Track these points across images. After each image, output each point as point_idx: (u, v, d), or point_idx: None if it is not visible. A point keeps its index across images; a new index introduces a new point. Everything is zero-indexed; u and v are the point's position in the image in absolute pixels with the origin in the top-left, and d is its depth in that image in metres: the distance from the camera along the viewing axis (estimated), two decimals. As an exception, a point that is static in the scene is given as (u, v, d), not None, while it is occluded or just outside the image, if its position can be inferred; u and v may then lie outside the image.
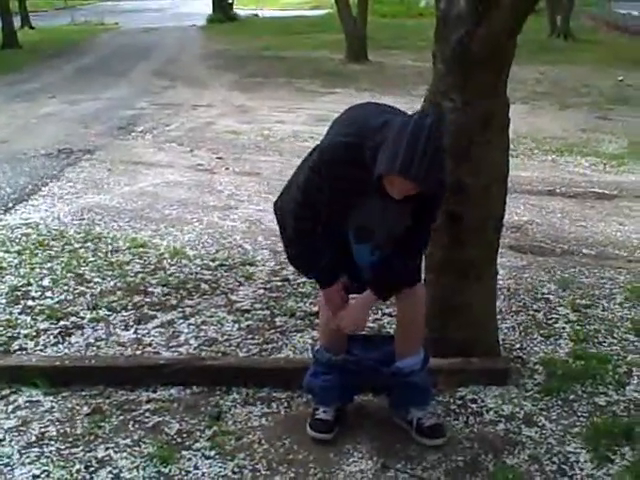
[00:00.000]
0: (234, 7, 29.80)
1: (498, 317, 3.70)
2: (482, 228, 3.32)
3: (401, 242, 2.74)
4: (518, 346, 3.67)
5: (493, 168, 3.29)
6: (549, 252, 5.04)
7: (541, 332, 3.81)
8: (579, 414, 3.10)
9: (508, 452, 2.85)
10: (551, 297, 4.24)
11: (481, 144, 3.20)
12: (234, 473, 2.74)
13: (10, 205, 6.06)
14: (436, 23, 3.23)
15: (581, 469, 2.76)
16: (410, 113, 2.59)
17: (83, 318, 3.97)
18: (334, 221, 2.73)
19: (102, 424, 3.03)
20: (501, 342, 3.60)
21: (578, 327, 3.87)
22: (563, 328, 3.86)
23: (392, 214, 2.67)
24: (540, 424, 3.03)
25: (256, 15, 30.20)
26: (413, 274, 2.90)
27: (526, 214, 5.82)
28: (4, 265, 4.70)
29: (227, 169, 7.32)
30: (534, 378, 3.37)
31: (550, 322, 3.93)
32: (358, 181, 2.56)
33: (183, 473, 2.74)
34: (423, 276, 3.45)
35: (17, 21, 23.06)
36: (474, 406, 3.16)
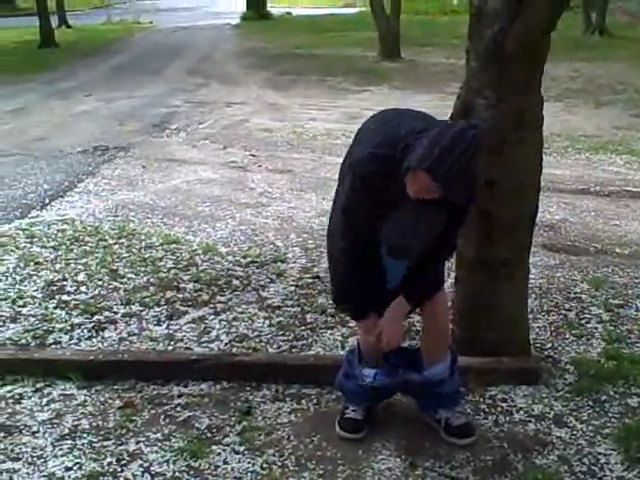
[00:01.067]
0: (267, 5, 29.87)
1: (530, 316, 3.68)
2: (514, 227, 3.30)
3: (431, 248, 2.71)
4: (549, 346, 3.65)
5: (526, 166, 3.27)
6: (582, 251, 4.99)
7: (573, 332, 3.78)
8: (610, 415, 3.07)
9: (537, 452, 2.83)
10: (583, 296, 4.20)
11: (514, 142, 3.18)
12: (263, 469, 2.76)
13: (47, 201, 6.16)
14: (470, 19, 3.22)
15: (611, 471, 2.74)
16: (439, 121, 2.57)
17: (116, 313, 4.03)
18: (372, 238, 2.70)
19: (134, 418, 3.07)
20: (532, 342, 3.58)
21: (611, 327, 3.83)
22: (595, 328, 3.83)
23: (426, 226, 2.62)
24: (570, 424, 3.01)
25: (289, 13, 30.25)
26: (441, 282, 2.90)
27: (559, 213, 5.77)
28: (40, 260, 4.78)
29: (260, 166, 7.36)
30: (565, 378, 3.35)
31: (582, 322, 3.90)
32: (391, 193, 2.54)
33: (212, 468, 2.77)
34: (454, 274, 3.46)
35: (54, 20, 23.34)
36: (504, 405, 3.15)
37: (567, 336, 3.75)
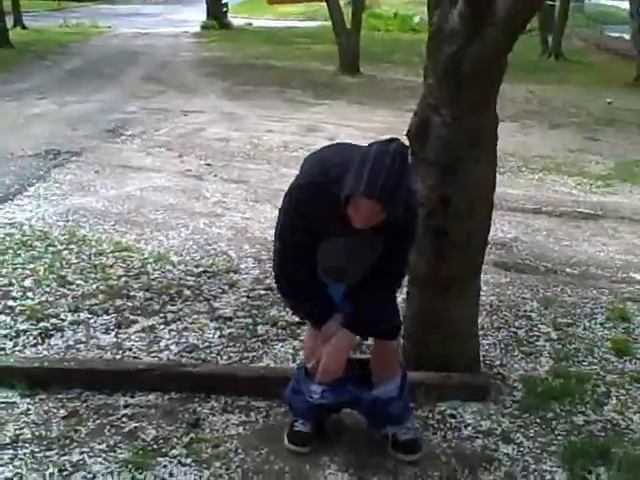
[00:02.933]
0: (228, 15, 29.81)
1: (480, 333, 3.71)
2: (466, 244, 3.32)
3: (376, 271, 2.69)
4: (499, 362, 3.68)
5: (479, 184, 3.31)
6: (533, 270, 5.06)
7: (522, 349, 3.82)
8: (557, 433, 3.10)
9: (485, 469, 2.85)
10: (533, 315, 4.25)
11: (468, 160, 3.21)
12: (209, 481, 2.72)
13: (-5, 204, 6.02)
14: (428, 38, 3.25)
15: (557, 488, 2.76)
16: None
17: (64, 320, 3.95)
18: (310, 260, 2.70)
19: (78, 428, 3.00)
20: (482, 358, 3.60)
21: (559, 345, 3.88)
22: (544, 346, 3.87)
23: (364, 250, 2.62)
24: (517, 441, 3.03)
25: (250, 24, 30.20)
26: (393, 316, 2.85)
27: (512, 231, 5.84)
28: (-14, 264, 4.67)
29: (215, 176, 7.31)
30: (513, 395, 3.38)
31: (531, 340, 3.95)
32: (325, 219, 2.57)
33: (158, 480, 2.72)
34: (405, 290, 3.46)
35: (9, 20, 22.95)
36: (453, 421, 3.16)
37: (516, 353, 3.78)
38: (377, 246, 2.64)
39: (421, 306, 3.43)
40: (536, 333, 4.02)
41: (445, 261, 3.31)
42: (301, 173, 2.74)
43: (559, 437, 3.07)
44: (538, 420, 3.18)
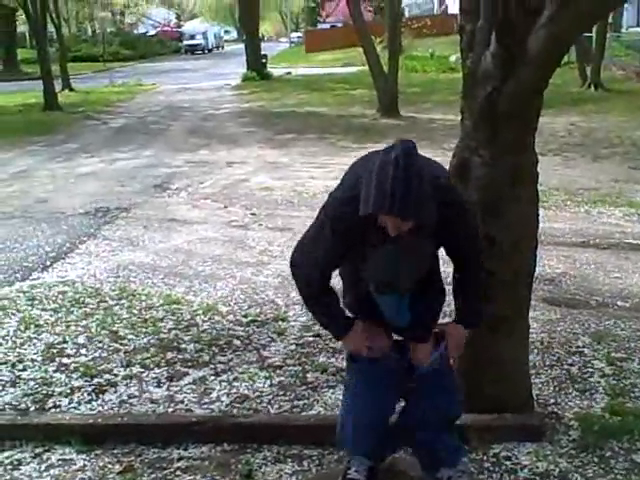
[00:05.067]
0: (268, 66, 30.41)
1: (532, 371, 3.66)
2: (513, 283, 3.30)
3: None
4: (552, 401, 3.61)
5: (523, 223, 3.29)
6: (583, 304, 4.99)
7: (576, 387, 3.76)
8: (616, 472, 3.03)
9: (543, 511, 2.79)
10: (586, 350, 4.18)
11: (510, 199, 3.21)
12: (264, 533, 2.72)
13: (48, 263, 6.19)
14: (463, 79, 3.28)
15: (618, 529, 2.69)
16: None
17: (117, 375, 4.01)
18: (352, 276, 2.74)
19: (133, 482, 3.03)
20: (535, 397, 3.55)
21: (614, 381, 3.80)
22: (598, 382, 3.80)
23: (411, 255, 2.59)
24: (576, 482, 2.97)
25: (289, 73, 30.78)
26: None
27: (559, 266, 5.78)
28: (41, 323, 4.78)
29: (260, 225, 7.41)
30: (569, 434, 3.31)
31: (585, 376, 3.88)
32: (363, 230, 2.55)
33: (213, 533, 2.73)
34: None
35: (58, 84, 23.75)
36: (508, 463, 3.11)
37: (570, 391, 3.72)
38: (425, 249, 2.62)
39: (471, 347, 3.38)
40: (590, 369, 3.95)
41: (492, 301, 3.28)
42: (339, 185, 2.73)
43: (619, 476, 3.00)
44: (596, 459, 3.11)
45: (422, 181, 2.42)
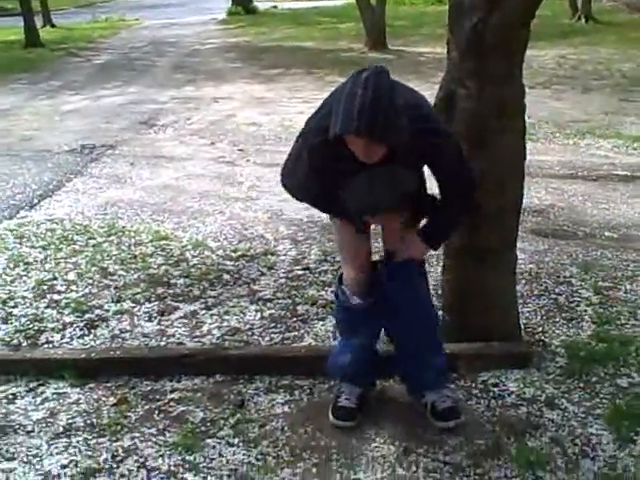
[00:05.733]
0: (253, 0, 29.79)
1: (520, 301, 3.70)
2: (499, 215, 3.31)
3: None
4: (540, 329, 3.67)
5: (509, 154, 3.28)
6: (571, 235, 5.02)
7: (563, 315, 3.81)
8: (601, 396, 3.09)
9: (530, 435, 2.85)
10: (573, 280, 4.22)
11: (496, 131, 3.19)
12: (258, 460, 2.77)
13: (35, 201, 6.15)
14: (449, 11, 3.22)
15: (603, 451, 2.76)
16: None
17: (108, 311, 4.03)
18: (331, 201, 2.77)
19: (128, 414, 3.07)
20: (523, 326, 3.60)
21: (600, 309, 3.85)
22: (585, 311, 3.85)
23: (391, 180, 2.59)
24: (562, 407, 3.03)
25: (275, 7, 30.13)
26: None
27: (548, 198, 5.79)
28: (30, 260, 4.78)
29: (248, 160, 7.36)
30: (556, 361, 3.37)
31: (572, 305, 3.92)
32: (339, 160, 2.56)
33: (207, 461, 2.78)
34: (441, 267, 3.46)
35: (39, 20, 23.23)
36: (496, 390, 3.17)
37: (557, 319, 3.77)
38: (404, 174, 2.61)
39: (458, 278, 3.43)
40: (577, 298, 4.00)
41: (479, 233, 3.29)
42: (316, 110, 2.74)
43: (604, 400, 3.06)
44: (582, 385, 3.17)
45: (392, 103, 2.41)
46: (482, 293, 3.37)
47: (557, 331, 3.65)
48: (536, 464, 2.67)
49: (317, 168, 2.68)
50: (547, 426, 2.91)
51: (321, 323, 3.81)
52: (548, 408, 3.02)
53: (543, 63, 12.64)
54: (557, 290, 4.10)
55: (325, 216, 5.44)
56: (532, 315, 3.81)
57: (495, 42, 3.03)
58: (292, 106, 10.21)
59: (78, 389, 3.27)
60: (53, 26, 25.56)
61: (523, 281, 4.12)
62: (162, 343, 3.67)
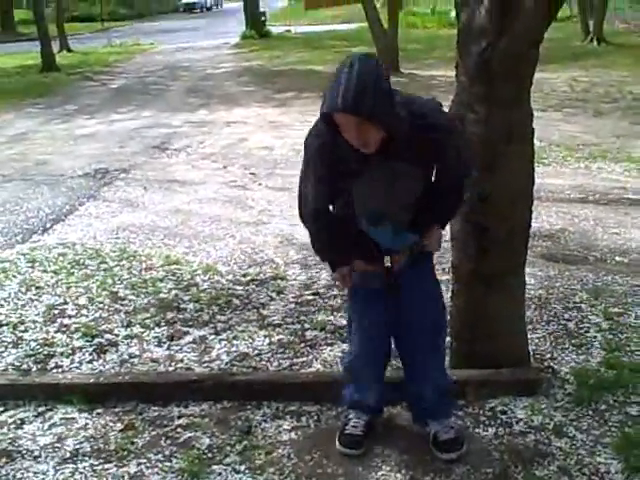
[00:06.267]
0: (267, 24, 30.06)
1: (529, 327, 3.69)
2: (508, 239, 3.31)
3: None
4: (549, 356, 3.65)
5: (518, 179, 3.29)
6: (581, 260, 5.00)
7: (572, 341, 3.78)
8: (610, 424, 3.06)
9: (538, 463, 2.83)
10: (583, 306, 4.20)
11: (505, 155, 3.20)
12: (264, 487, 2.77)
13: (48, 225, 6.20)
14: (457, 35, 3.25)
15: (612, 480, 2.74)
16: None
17: (117, 335, 4.05)
18: (342, 211, 2.75)
19: (135, 440, 3.08)
20: (532, 352, 3.58)
21: (610, 336, 3.83)
22: (595, 337, 3.83)
23: (399, 186, 2.61)
24: (570, 435, 3.01)
25: (288, 31, 30.42)
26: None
27: (558, 222, 5.77)
28: (41, 285, 4.81)
29: (260, 185, 7.40)
30: (565, 388, 3.35)
31: (582, 331, 3.90)
32: (343, 156, 2.57)
33: (214, 488, 2.78)
34: (450, 292, 3.46)
35: (56, 45, 23.52)
36: (504, 417, 3.15)
37: (567, 346, 3.75)
38: (410, 173, 2.61)
39: (466, 303, 3.42)
40: (587, 324, 3.97)
41: (487, 257, 3.30)
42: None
43: (613, 429, 3.03)
44: (591, 412, 3.15)
45: (380, 83, 2.41)
46: (491, 318, 3.35)
47: (566, 358, 3.63)
48: (543, 493, 2.65)
49: (320, 176, 2.67)
50: (555, 454, 2.88)
51: (329, 349, 3.81)
52: (556, 436, 3.00)
53: (555, 86, 12.64)
54: (567, 316, 4.08)
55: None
56: (541, 341, 3.79)
57: (503, 67, 3.05)
58: (304, 130, 10.20)
59: (86, 414, 3.28)
60: (69, 50, 25.89)
61: (532, 306, 4.11)
62: (171, 368, 3.68)
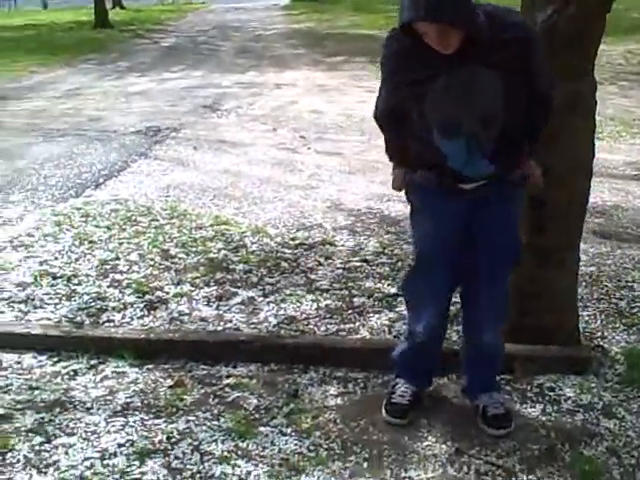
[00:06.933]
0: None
1: (579, 304, 3.64)
2: (565, 213, 3.26)
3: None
4: (599, 335, 3.60)
5: (578, 151, 3.23)
6: (634, 239, 4.91)
7: (623, 321, 3.73)
8: (661, 406, 3.03)
9: (585, 443, 2.81)
10: (635, 285, 4.13)
11: (566, 127, 3.13)
12: (310, 451, 2.79)
13: (100, 181, 6.28)
14: (522, 2, 3.17)
15: (661, 463, 2.71)
16: None
17: (168, 293, 4.10)
18: (416, 125, 2.61)
19: (184, 397, 3.13)
20: (582, 330, 3.54)
21: (663, 317, 3.77)
22: (647, 318, 3.77)
23: (477, 87, 2.47)
24: (620, 416, 2.97)
25: (341, -8, 30.05)
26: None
27: (612, 199, 5.67)
28: (94, 239, 4.89)
29: (309, 148, 7.38)
30: (615, 368, 3.31)
31: (633, 311, 3.84)
32: (421, 64, 2.49)
33: (260, 449, 2.80)
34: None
35: (109, 1, 23.62)
36: (552, 394, 3.12)
37: (617, 325, 3.70)
38: (488, 81, 2.46)
39: (519, 277, 3.36)
40: (638, 304, 3.91)
41: (544, 231, 3.25)
42: None
43: (663, 411, 3.00)
44: (641, 394, 3.12)
45: None
46: (543, 293, 3.31)
47: (617, 337, 3.58)
48: (591, 474, 2.63)
49: (396, 80, 2.59)
50: (603, 435, 2.86)
51: (377, 316, 3.81)
52: (605, 416, 2.97)
53: (610, 58, 12.34)
54: (618, 295, 4.02)
55: (384, 207, 5.47)
56: (591, 319, 3.74)
57: (569, 35, 2.97)
58: (354, 95, 10.19)
59: (137, 369, 3.34)
60: (122, 7, 26.02)
61: (583, 284, 4.05)
62: (219, 328, 3.72)
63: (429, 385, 3.11)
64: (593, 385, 3.18)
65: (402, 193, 2.89)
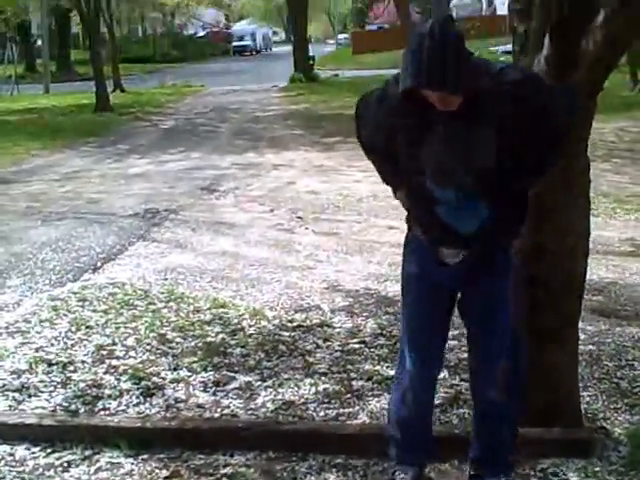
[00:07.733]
0: (315, 68, 30.49)
1: (580, 384, 3.60)
2: (564, 293, 3.26)
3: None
4: (602, 416, 3.56)
5: (574, 231, 3.25)
6: (633, 316, 4.89)
7: (625, 401, 3.69)
8: (667, 491, 2.97)
9: (591, 530, 2.75)
10: (636, 364, 4.10)
11: (562, 206, 3.17)
12: (308, 542, 2.73)
13: (98, 264, 6.30)
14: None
15: None
16: None
17: (164, 379, 4.06)
18: (408, 173, 2.69)
19: (180, 488, 3.07)
20: (584, 411, 3.50)
21: (665, 397, 3.73)
22: (649, 397, 3.73)
23: (467, 146, 2.51)
24: (625, 501, 2.92)
25: (336, 75, 30.82)
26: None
27: (608, 276, 5.68)
28: (91, 324, 4.86)
29: (306, 229, 7.43)
30: (619, 450, 3.25)
31: (635, 390, 3.81)
32: (409, 117, 2.54)
33: (258, 542, 2.74)
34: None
35: (110, 85, 24.16)
36: (555, 479, 3.07)
37: (620, 405, 3.65)
38: (484, 137, 2.49)
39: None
40: (640, 384, 3.88)
41: (542, 310, 3.25)
42: None
43: (670, 495, 2.94)
44: (646, 477, 3.06)
45: (462, 51, 2.37)
46: (543, 374, 3.28)
47: (619, 418, 3.53)
48: None
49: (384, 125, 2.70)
50: (610, 521, 2.80)
51: (376, 400, 3.76)
52: (611, 502, 2.91)
53: (602, 136, 12.53)
54: (619, 374, 3.99)
55: (382, 288, 5.47)
56: (593, 400, 3.70)
57: None
58: (350, 175, 10.32)
59: (132, 459, 3.27)
60: (123, 91, 26.58)
61: (584, 363, 4.02)
62: (216, 415, 3.67)
63: (429, 458, 3.04)
64: (597, 469, 3.12)
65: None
